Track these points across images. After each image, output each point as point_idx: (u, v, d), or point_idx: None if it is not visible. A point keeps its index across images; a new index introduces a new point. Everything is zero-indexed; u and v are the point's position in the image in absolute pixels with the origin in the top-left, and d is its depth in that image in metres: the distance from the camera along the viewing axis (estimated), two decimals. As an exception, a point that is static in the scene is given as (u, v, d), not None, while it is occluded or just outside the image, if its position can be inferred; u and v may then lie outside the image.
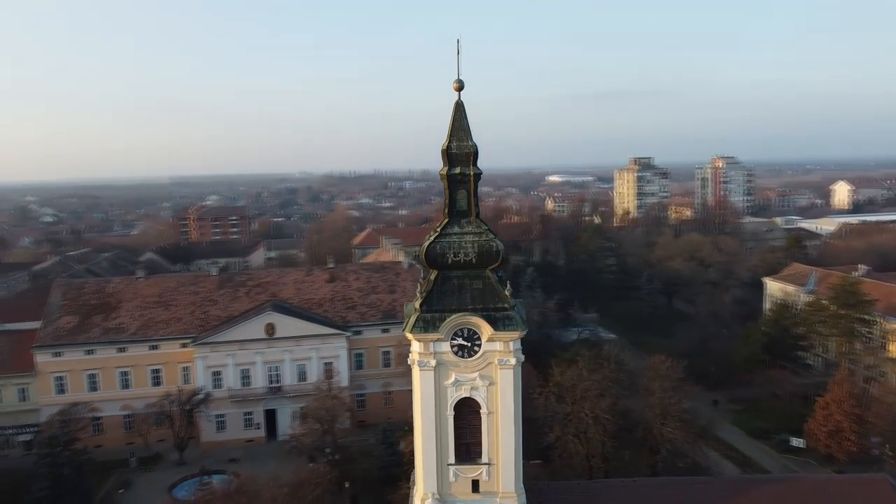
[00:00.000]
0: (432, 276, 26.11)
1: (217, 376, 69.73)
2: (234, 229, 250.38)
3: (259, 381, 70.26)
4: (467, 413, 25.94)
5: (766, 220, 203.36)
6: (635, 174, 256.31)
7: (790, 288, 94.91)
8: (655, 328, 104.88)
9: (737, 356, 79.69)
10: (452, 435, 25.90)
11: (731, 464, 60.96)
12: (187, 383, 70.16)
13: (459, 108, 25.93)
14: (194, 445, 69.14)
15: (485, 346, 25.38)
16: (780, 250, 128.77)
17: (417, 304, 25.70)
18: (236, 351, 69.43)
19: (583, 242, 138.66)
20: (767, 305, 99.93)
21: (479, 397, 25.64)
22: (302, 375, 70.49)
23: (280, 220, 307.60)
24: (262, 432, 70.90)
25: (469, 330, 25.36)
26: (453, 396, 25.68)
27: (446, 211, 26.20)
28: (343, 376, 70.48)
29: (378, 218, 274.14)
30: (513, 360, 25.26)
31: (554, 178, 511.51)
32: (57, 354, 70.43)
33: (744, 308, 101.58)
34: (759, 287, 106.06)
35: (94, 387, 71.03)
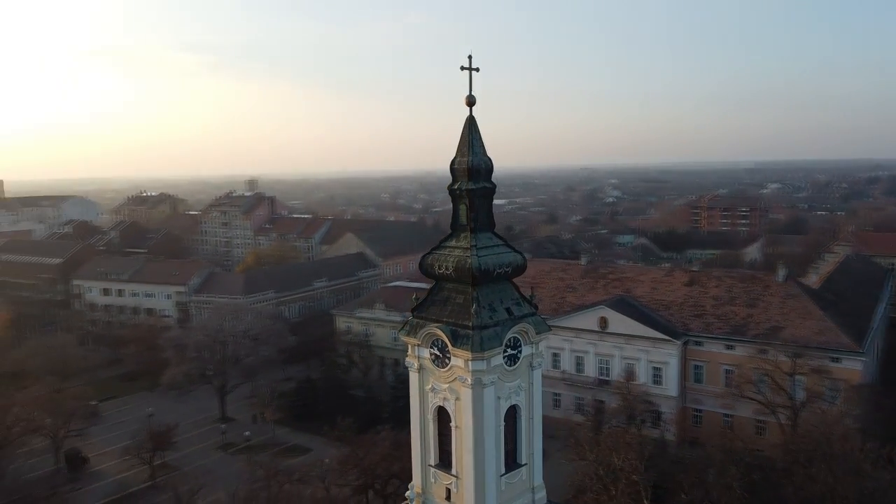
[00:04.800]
0: (431, 285, 27.31)
1: (556, 357, 75.06)
2: (744, 220, 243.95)
3: (590, 370, 72.81)
4: (446, 421, 26.63)
5: None
6: None
7: None
8: None
9: None
10: (433, 438, 26.88)
11: None
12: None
13: (467, 124, 26.14)
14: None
15: (453, 360, 25.64)
16: None
17: (411, 309, 27.43)
18: (572, 338, 73.33)
19: None
20: None
21: (449, 409, 26.01)
22: (630, 374, 70.01)
23: (822, 213, 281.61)
24: (592, 418, 73.41)
25: (442, 341, 25.99)
26: (433, 402, 26.69)
27: (451, 224, 26.92)
28: (671, 386, 67.36)
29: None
30: (469, 380, 24.88)
31: None
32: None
33: None
34: None
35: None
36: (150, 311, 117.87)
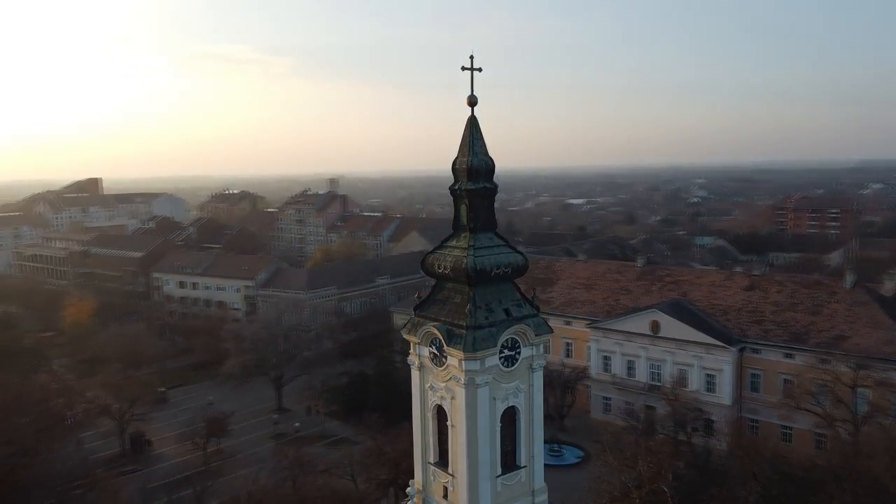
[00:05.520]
0: (433, 284, 27.53)
1: (607, 361, 73.66)
2: (833, 223, 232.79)
3: (641, 374, 71.03)
4: (445, 420, 26.81)
5: None
6: None
7: None
8: None
9: None
10: (432, 436, 27.11)
11: None
12: (590, 361, 76.27)
13: (468, 124, 26.18)
14: (585, 417, 75.00)
15: (449, 359, 25.76)
16: None
17: (413, 307, 27.73)
18: (623, 341, 71.76)
19: None
20: None
21: (446, 407, 26.17)
22: (682, 380, 67.87)
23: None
24: (638, 424, 71.53)
25: (440, 340, 26.16)
26: (432, 400, 26.92)
27: (453, 224, 27.07)
28: (725, 394, 64.95)
29: None
30: (463, 380, 24.98)
31: None
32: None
33: None
34: None
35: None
36: (220, 304, 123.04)
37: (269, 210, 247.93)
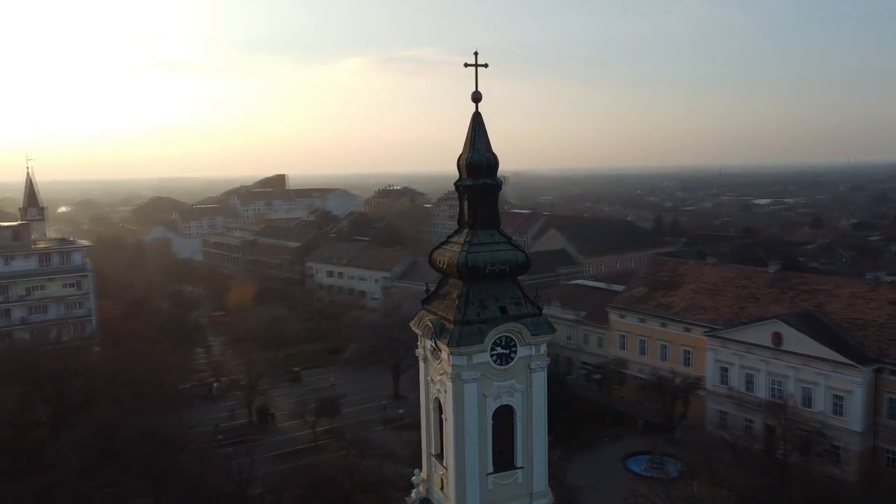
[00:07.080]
0: (439, 279, 27.99)
1: (724, 372, 68.67)
2: None
3: (761, 390, 65.40)
4: (441, 413, 27.29)
5: None
6: None
7: None
8: None
9: None
10: (434, 428, 27.70)
11: None
12: (707, 371, 71.51)
13: (472, 121, 26.33)
14: (700, 430, 70.30)
15: (442, 353, 26.21)
16: None
17: (421, 301, 28.37)
18: (742, 352, 66.48)
19: None
20: None
21: (442, 401, 26.69)
22: (806, 400, 61.64)
23: None
24: (758, 444, 65.83)
25: (435, 333, 26.64)
26: (432, 392, 27.54)
27: (458, 220, 27.36)
28: (854, 419, 58.17)
29: None
30: (450, 373, 25.32)
31: None
32: (622, 316, 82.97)
33: None
34: None
35: (643, 351, 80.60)
36: (361, 293, 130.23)
37: (426, 205, 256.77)
